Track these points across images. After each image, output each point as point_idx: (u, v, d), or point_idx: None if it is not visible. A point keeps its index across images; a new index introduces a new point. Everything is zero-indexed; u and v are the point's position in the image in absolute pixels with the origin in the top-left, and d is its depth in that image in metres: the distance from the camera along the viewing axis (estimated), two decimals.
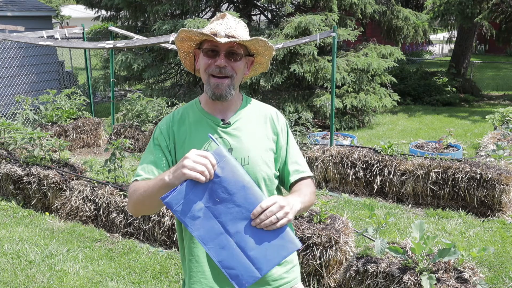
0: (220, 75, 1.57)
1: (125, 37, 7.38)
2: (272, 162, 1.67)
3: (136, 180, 1.62)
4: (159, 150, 1.65)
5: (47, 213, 4.79)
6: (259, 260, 1.40)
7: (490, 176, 4.52)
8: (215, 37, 1.53)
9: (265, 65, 1.75)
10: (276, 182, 1.70)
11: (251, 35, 1.77)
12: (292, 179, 1.69)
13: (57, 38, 6.38)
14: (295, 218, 3.44)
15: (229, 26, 1.58)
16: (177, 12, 10.23)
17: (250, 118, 1.68)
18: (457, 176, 4.68)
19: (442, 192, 4.80)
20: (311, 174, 1.75)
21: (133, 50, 9.08)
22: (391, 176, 5.03)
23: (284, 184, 1.73)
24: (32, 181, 4.83)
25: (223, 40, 1.53)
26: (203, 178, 1.36)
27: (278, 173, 1.71)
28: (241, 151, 1.62)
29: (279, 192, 1.74)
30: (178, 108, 1.75)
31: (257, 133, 1.67)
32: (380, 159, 5.12)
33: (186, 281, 1.69)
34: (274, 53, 1.69)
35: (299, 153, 1.76)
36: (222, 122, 1.65)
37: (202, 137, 1.63)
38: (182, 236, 1.72)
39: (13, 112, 8.17)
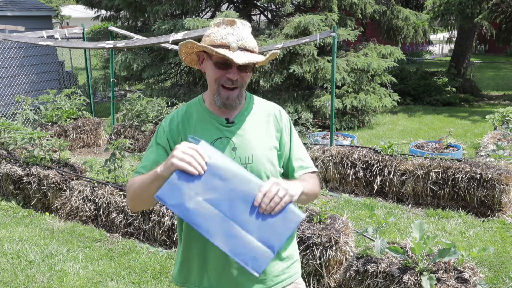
0: (232, 86, 1.58)
1: (125, 37, 7.38)
2: (276, 160, 1.68)
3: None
4: (161, 149, 1.66)
5: (47, 213, 4.79)
6: (268, 239, 1.40)
7: (490, 176, 4.52)
8: (232, 60, 1.49)
9: (263, 64, 1.77)
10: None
11: None
12: (297, 175, 1.71)
13: (57, 38, 6.37)
14: None
15: (241, 37, 1.54)
16: (177, 12, 10.23)
17: (254, 117, 1.70)
18: (457, 176, 4.68)
19: (442, 192, 4.80)
20: (315, 169, 1.76)
21: (133, 50, 9.08)
22: (391, 176, 5.03)
23: (288, 179, 1.73)
24: (32, 181, 4.83)
25: (240, 60, 1.49)
26: (191, 169, 1.38)
27: (282, 170, 1.72)
28: (245, 150, 1.63)
29: None
30: (181, 106, 1.75)
31: (261, 131, 1.68)
32: (380, 159, 5.12)
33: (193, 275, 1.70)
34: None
35: (303, 149, 1.77)
36: (226, 121, 1.66)
37: (206, 136, 1.63)
38: (181, 231, 1.72)
39: (13, 112, 8.17)
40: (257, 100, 1.76)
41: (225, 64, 1.55)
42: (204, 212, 1.39)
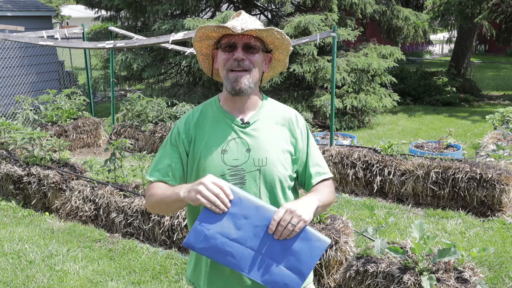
0: (239, 69, 1.57)
1: (125, 37, 7.38)
2: (289, 164, 1.66)
3: (152, 181, 1.66)
4: (176, 151, 1.65)
5: (47, 213, 4.79)
6: (296, 267, 1.44)
7: (490, 176, 4.52)
8: (231, 29, 1.54)
9: (284, 62, 1.74)
10: (291, 183, 1.69)
11: None
12: (314, 181, 1.69)
13: (57, 38, 6.37)
14: None
15: (245, 21, 1.59)
16: (177, 12, 10.24)
17: (269, 119, 1.67)
18: (457, 176, 4.68)
19: (442, 192, 4.80)
20: (331, 175, 1.75)
21: (133, 50, 9.08)
22: (391, 176, 5.03)
23: (305, 186, 1.72)
24: (32, 181, 4.83)
25: (238, 30, 1.55)
26: (215, 209, 1.41)
27: (294, 175, 1.70)
28: (259, 151, 1.61)
29: (295, 193, 1.73)
30: (197, 106, 1.74)
31: (276, 134, 1.66)
32: (380, 159, 5.12)
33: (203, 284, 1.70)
34: (291, 48, 1.68)
35: (320, 155, 1.76)
36: (240, 122, 1.64)
37: (220, 136, 1.62)
38: None
39: (13, 112, 8.17)
40: (274, 103, 1.74)
41: (230, 46, 1.58)
42: (232, 251, 1.43)
